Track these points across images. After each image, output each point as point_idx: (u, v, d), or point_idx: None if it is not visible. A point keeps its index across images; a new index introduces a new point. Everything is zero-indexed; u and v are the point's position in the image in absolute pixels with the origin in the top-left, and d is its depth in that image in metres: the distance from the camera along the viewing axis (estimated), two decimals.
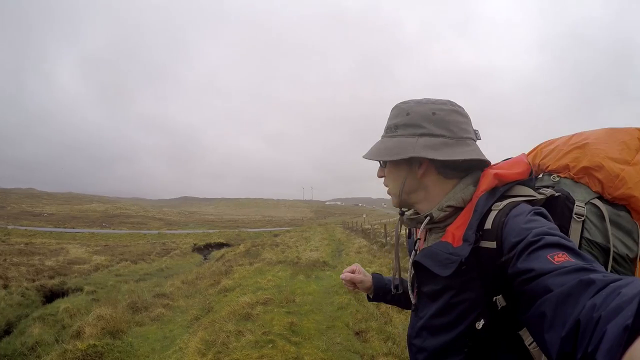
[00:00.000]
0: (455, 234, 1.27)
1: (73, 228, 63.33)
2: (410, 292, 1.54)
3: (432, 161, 1.36)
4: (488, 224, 1.22)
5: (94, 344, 7.71)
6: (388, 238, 24.12)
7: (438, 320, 1.32)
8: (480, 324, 1.19)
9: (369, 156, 1.46)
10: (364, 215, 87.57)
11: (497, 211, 1.24)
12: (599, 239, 1.37)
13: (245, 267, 15.56)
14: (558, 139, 1.74)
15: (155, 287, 14.69)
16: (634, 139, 1.52)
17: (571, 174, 1.55)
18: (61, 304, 12.91)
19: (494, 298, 1.17)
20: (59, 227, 62.63)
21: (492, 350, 1.21)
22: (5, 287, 16.01)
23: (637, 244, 1.41)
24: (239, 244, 32.57)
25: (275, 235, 44.42)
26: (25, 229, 53.60)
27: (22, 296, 14.70)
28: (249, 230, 65.46)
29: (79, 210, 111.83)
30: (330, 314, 8.38)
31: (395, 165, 1.44)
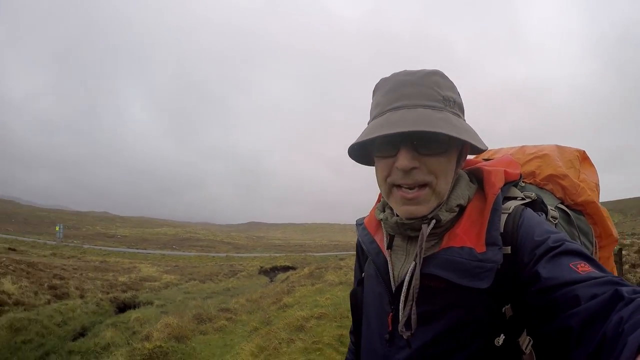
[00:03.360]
0: (469, 238, 1.14)
1: (145, 249, 66.33)
2: (377, 317, 1.33)
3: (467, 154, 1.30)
4: (500, 228, 1.15)
5: (160, 345, 8.81)
6: None
7: (438, 347, 1.14)
8: (500, 340, 1.08)
9: (457, 133, 1.10)
10: None
11: (507, 214, 1.19)
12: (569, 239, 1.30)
13: (307, 287, 16.19)
14: (499, 150, 1.84)
15: (220, 303, 15.71)
16: (575, 158, 1.67)
17: (537, 180, 1.61)
18: (132, 314, 14.27)
19: (503, 308, 1.09)
20: (131, 248, 65.58)
21: None
22: (82, 297, 17.94)
23: (592, 244, 1.54)
24: (304, 267, 33.27)
25: (342, 259, 44.75)
26: (100, 249, 56.95)
27: (96, 305, 16.32)
28: (315, 254, 65.91)
29: (151, 233, 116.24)
30: None
31: (450, 155, 1.20)
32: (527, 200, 1.30)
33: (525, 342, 1.08)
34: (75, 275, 25.30)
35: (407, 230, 1.24)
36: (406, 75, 1.20)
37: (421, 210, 1.17)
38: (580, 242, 1.46)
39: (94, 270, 29.75)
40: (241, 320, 12.54)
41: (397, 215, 1.27)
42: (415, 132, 1.08)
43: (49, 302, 16.00)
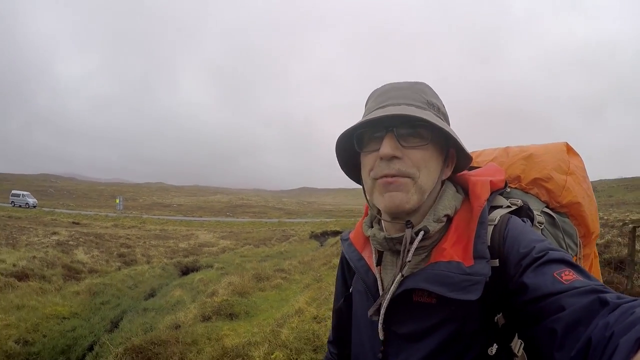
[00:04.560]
0: (456, 252, 1.14)
1: (200, 217, 69.35)
2: (369, 334, 1.33)
3: (453, 161, 1.31)
4: (487, 240, 1.15)
5: (227, 299, 10.13)
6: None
7: None
8: (493, 350, 1.09)
9: (439, 124, 1.14)
10: None
11: (493, 226, 1.19)
12: (553, 243, 1.37)
13: None
14: (482, 151, 1.85)
15: (275, 265, 16.92)
16: (563, 151, 1.66)
17: (522, 184, 1.61)
18: (196, 276, 15.67)
19: (495, 318, 1.11)
20: (187, 216, 68.58)
21: None
22: (148, 262, 19.74)
23: (577, 244, 1.55)
24: None
25: None
26: (158, 218, 59.88)
27: (162, 270, 17.89)
28: None
29: (205, 201, 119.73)
30: None
31: (437, 153, 1.22)
32: (513, 207, 1.31)
33: (517, 345, 1.08)
34: (140, 244, 27.36)
35: (395, 245, 1.24)
36: (394, 84, 1.29)
37: (402, 197, 1.15)
38: (565, 244, 1.49)
39: (155, 239, 31.78)
40: (295, 279, 13.75)
41: (386, 231, 1.30)
42: (397, 124, 1.15)
43: (119, 269, 17.62)
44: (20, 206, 67.63)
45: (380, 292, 1.26)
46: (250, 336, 7.26)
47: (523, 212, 1.33)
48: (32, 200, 71.07)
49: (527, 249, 1.06)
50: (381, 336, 1.22)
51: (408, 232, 1.17)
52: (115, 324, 10.69)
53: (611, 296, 0.84)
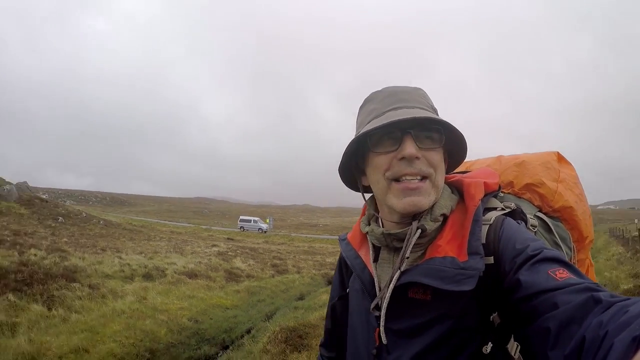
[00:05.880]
0: (451, 249, 1.17)
1: None
2: (364, 332, 1.35)
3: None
4: (482, 238, 1.18)
5: None
6: None
7: (427, 358, 1.16)
8: (488, 348, 1.10)
9: (448, 122, 1.21)
10: (636, 220, 63.86)
11: (488, 225, 1.22)
12: (547, 246, 1.24)
13: None
14: (476, 160, 1.93)
15: None
16: (554, 160, 1.71)
17: (515, 189, 1.65)
18: None
19: (491, 316, 1.12)
20: (333, 235, 70.14)
21: None
22: (298, 272, 21.76)
23: (570, 249, 1.57)
24: None
25: None
26: (305, 236, 63.24)
27: (311, 279, 19.97)
28: None
29: (350, 222, 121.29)
30: None
31: (442, 155, 1.28)
32: (507, 210, 1.31)
33: (514, 348, 1.08)
34: (290, 257, 29.72)
35: (392, 241, 1.28)
36: (400, 87, 1.32)
37: (423, 201, 1.20)
38: (560, 247, 1.50)
39: (304, 254, 34.11)
40: None
41: (384, 227, 1.34)
42: (414, 126, 1.18)
43: (272, 276, 19.66)
44: (248, 231, 69.77)
45: (377, 289, 1.28)
46: None
47: (517, 214, 1.33)
48: (264, 226, 71.86)
49: (522, 247, 1.09)
50: (382, 332, 1.22)
51: (415, 225, 1.22)
52: (269, 317, 12.39)
53: (604, 294, 0.85)
